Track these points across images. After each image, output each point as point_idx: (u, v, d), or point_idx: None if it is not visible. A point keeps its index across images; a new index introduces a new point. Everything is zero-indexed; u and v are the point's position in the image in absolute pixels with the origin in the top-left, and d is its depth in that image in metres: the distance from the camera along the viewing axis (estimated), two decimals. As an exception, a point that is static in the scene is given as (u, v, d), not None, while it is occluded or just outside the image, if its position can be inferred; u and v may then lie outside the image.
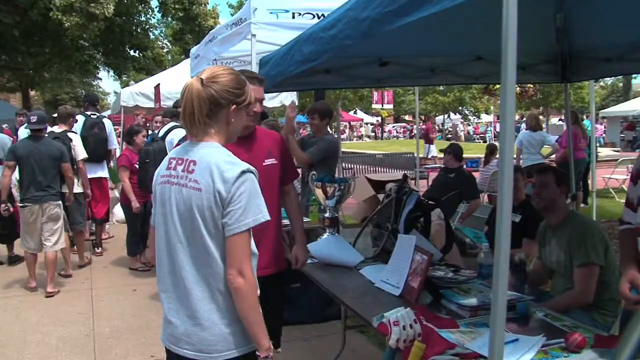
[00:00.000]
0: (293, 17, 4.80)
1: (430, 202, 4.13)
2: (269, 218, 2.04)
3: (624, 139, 29.62)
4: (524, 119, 12.60)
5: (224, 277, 2.01)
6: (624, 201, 2.62)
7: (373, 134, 48.92)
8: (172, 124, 6.20)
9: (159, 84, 9.92)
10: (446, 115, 49.78)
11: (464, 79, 5.42)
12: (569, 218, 3.58)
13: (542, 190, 3.64)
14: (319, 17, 4.80)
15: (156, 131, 7.61)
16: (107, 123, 8.24)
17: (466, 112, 48.67)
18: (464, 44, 4.67)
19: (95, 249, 8.08)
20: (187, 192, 2.02)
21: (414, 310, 2.62)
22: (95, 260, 7.65)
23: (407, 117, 56.91)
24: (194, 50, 7.53)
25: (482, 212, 6.66)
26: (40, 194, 6.11)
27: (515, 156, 10.26)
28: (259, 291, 2.06)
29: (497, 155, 11.41)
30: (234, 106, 2.08)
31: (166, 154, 4.28)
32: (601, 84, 43.95)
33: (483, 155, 10.84)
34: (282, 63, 3.58)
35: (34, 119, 6.23)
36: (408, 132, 46.46)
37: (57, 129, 7.09)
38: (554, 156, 10.08)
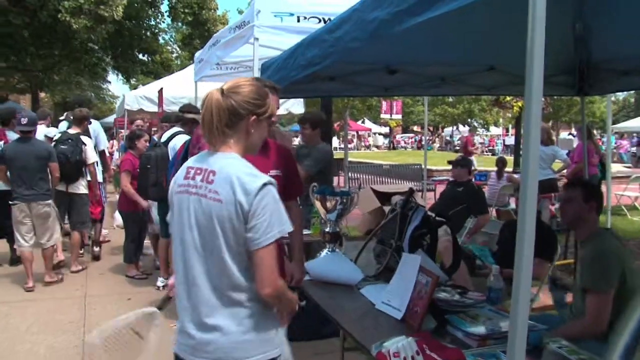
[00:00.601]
0: (298, 21, 4.61)
1: (437, 218, 3.93)
2: (292, 228, 2.07)
3: (636, 154, 29.27)
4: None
5: (242, 287, 2.04)
6: None
7: (383, 143, 48.67)
8: (175, 129, 6.02)
9: (162, 88, 9.78)
10: (455, 127, 49.53)
11: (476, 89, 5.22)
12: (594, 236, 3.33)
13: (566, 205, 3.44)
14: (325, 22, 4.61)
15: (154, 136, 7.44)
16: (93, 126, 8.07)
17: (475, 124, 48.34)
18: (476, 53, 4.49)
19: (94, 248, 7.96)
20: (206, 203, 2.02)
21: (416, 337, 2.40)
22: (92, 266, 7.46)
23: (415, 128, 56.70)
24: (198, 54, 7.38)
25: (490, 228, 6.43)
26: (29, 193, 6.30)
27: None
28: None
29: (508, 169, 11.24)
30: (254, 117, 2.09)
31: (168, 159, 4.01)
32: (612, 98, 43.54)
33: (494, 169, 10.59)
34: (284, 68, 3.39)
35: (24, 120, 6.33)
36: (416, 142, 46.14)
37: (71, 130, 7.19)
38: (565, 171, 9.81)
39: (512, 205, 10.46)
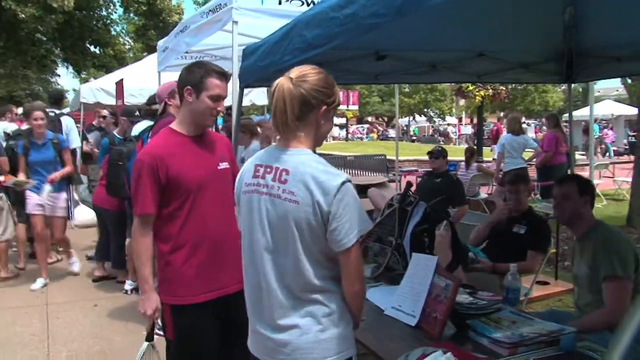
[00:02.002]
0: (280, 3, 4.31)
1: (438, 213, 3.71)
2: (373, 224, 1.99)
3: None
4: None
5: (318, 286, 1.95)
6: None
7: (339, 134, 48.57)
8: (146, 122, 5.60)
9: (121, 80, 9.27)
10: (411, 117, 49.85)
11: (466, 76, 5.04)
12: (593, 229, 3.21)
13: (564, 203, 3.28)
14: (308, 5, 4.33)
15: (114, 131, 6.99)
16: (66, 121, 7.63)
17: (431, 114, 48.81)
18: (466, 39, 4.28)
19: (58, 247, 7.52)
20: (281, 204, 1.93)
21: (446, 349, 2.16)
22: (52, 270, 6.94)
23: (370, 119, 56.78)
24: (161, 42, 6.94)
25: (468, 219, 6.28)
26: None
27: (496, 160, 10.01)
28: None
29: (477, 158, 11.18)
30: (325, 107, 1.98)
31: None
32: (563, 87, 44.47)
33: (462, 159, 10.49)
34: (274, 52, 3.07)
35: None
36: (376, 133, 46.09)
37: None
38: (535, 160, 9.79)
39: (482, 194, 10.40)
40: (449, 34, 4.17)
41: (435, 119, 49.61)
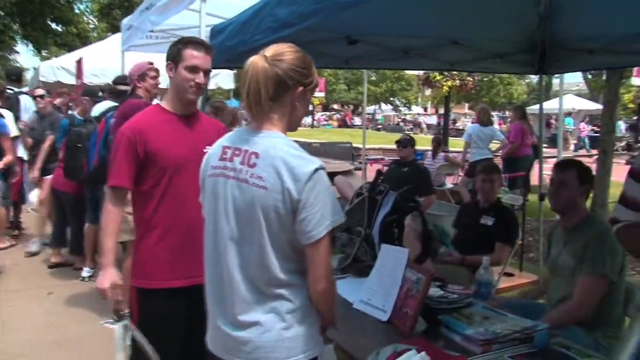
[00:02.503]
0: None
1: (409, 202, 3.63)
2: (345, 218, 1.86)
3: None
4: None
5: (283, 280, 1.83)
6: (618, 199, 2.12)
7: (305, 121, 48.30)
8: (108, 103, 5.36)
9: (81, 59, 8.95)
10: (378, 106, 49.94)
11: (439, 64, 4.96)
12: (587, 222, 3.06)
13: (561, 190, 3.07)
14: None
15: (74, 112, 6.70)
16: (24, 100, 7.30)
17: (397, 102, 49.00)
18: (439, 26, 4.21)
19: (13, 231, 7.30)
20: (248, 189, 1.80)
21: (418, 347, 2.07)
22: (6, 255, 6.66)
23: (335, 106, 56.69)
24: (126, 20, 6.67)
25: (435, 209, 6.25)
26: None
27: (463, 150, 10.02)
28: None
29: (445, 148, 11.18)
30: (301, 88, 1.85)
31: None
32: (527, 81, 45.13)
33: (429, 148, 10.47)
34: (244, 31, 2.92)
35: None
36: (338, 121, 46.00)
37: None
38: (501, 152, 9.83)
39: (448, 184, 10.41)
40: (422, 20, 4.09)
41: (401, 108, 49.83)
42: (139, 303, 2.61)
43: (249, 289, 1.84)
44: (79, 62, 8.99)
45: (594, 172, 3.49)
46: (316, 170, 1.75)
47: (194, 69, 2.54)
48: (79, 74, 8.98)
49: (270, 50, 1.83)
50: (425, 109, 49.36)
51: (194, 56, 2.53)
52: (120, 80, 5.45)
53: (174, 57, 2.54)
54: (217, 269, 1.91)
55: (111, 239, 2.56)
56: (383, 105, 50.53)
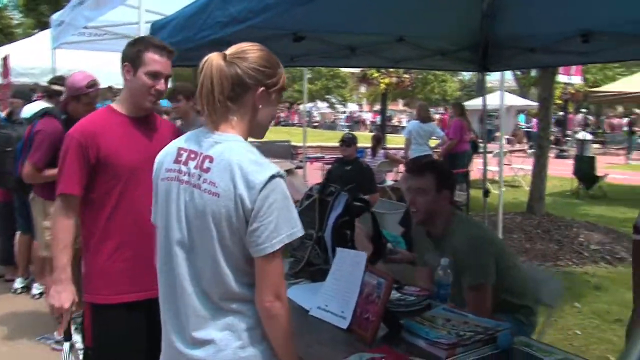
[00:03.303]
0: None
1: (357, 203, 3.56)
2: (303, 232, 1.72)
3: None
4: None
5: (238, 294, 1.71)
6: None
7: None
8: (42, 104, 5.01)
9: (7, 56, 8.46)
10: (313, 104, 49.95)
11: (384, 61, 4.92)
12: (453, 226, 2.95)
13: (418, 197, 2.93)
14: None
15: (1, 113, 6.31)
16: None
17: (333, 100, 49.16)
18: (385, 22, 4.18)
19: None
20: (200, 195, 1.68)
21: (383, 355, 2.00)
22: None
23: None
24: (56, 16, 6.32)
25: (379, 207, 6.24)
26: None
27: (404, 147, 10.09)
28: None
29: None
30: (263, 89, 1.73)
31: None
32: (460, 77, 46.22)
33: (369, 146, 10.49)
34: (189, 27, 2.77)
35: None
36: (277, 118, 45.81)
37: None
38: (440, 148, 9.97)
39: (389, 182, 10.48)
40: (369, 18, 4.06)
41: (336, 106, 50.01)
42: (94, 321, 2.44)
43: (202, 302, 1.72)
44: (5, 60, 8.50)
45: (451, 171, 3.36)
46: (272, 177, 1.64)
47: (155, 75, 2.38)
48: (5, 72, 8.49)
49: (232, 49, 1.73)
50: (361, 106, 49.73)
51: (155, 61, 2.37)
52: (56, 80, 5.14)
53: (133, 59, 2.37)
54: (170, 279, 1.79)
55: (65, 252, 2.40)
56: (319, 103, 50.61)
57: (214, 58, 1.69)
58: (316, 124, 44.08)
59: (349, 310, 2.47)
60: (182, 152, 1.78)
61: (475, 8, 4.36)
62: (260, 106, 1.76)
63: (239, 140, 1.73)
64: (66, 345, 2.46)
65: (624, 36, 3.88)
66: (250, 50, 1.72)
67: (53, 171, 3.64)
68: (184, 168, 1.74)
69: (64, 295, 2.40)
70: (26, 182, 3.90)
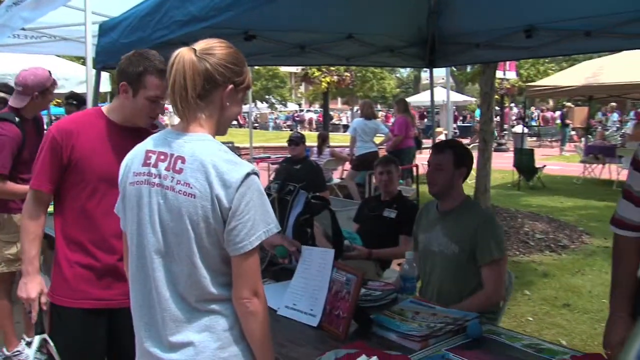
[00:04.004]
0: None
1: (315, 201, 3.55)
2: (279, 228, 1.72)
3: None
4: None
5: (216, 295, 1.69)
6: (622, 193, 2.12)
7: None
8: None
9: None
10: (253, 104, 49.68)
11: (334, 59, 4.92)
12: (464, 205, 3.09)
13: (437, 173, 3.04)
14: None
15: None
16: None
17: (273, 100, 49.06)
18: (334, 20, 4.20)
19: None
20: (174, 197, 1.65)
21: (360, 351, 2.00)
22: None
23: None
24: (-11, 16, 6.04)
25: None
26: None
27: (349, 145, 10.14)
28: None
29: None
30: (231, 86, 1.70)
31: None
32: (397, 75, 46.99)
33: (314, 144, 10.51)
34: (144, 26, 2.68)
35: None
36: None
37: None
38: (385, 145, 10.06)
39: (335, 180, 10.53)
40: (319, 15, 4.07)
41: (277, 106, 49.93)
42: (53, 319, 2.40)
43: (179, 306, 1.69)
44: None
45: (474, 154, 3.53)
46: (248, 175, 1.62)
47: (155, 100, 2.31)
48: None
49: (199, 44, 1.68)
50: (300, 106, 49.82)
51: (157, 86, 2.29)
52: (1, 87, 4.89)
53: (133, 81, 2.27)
54: (144, 286, 1.75)
55: (34, 245, 2.38)
56: (259, 104, 50.36)
57: (185, 53, 1.64)
58: (256, 124, 43.84)
59: (319, 307, 2.47)
60: (150, 154, 1.73)
61: (422, 5, 4.44)
62: (227, 104, 1.73)
63: (209, 139, 1.69)
64: (37, 338, 2.38)
65: (565, 32, 4.03)
66: (218, 47, 1.69)
67: (17, 187, 3.57)
68: (154, 170, 1.70)
69: (30, 286, 2.37)
70: None
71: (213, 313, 1.70)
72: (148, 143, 1.78)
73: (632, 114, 21.78)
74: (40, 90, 3.73)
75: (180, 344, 1.69)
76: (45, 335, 2.38)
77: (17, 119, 3.65)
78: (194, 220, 1.62)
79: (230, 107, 1.74)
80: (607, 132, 20.10)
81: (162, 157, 1.70)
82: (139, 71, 2.25)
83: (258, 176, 1.67)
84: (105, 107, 2.46)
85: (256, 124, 43.15)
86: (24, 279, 2.40)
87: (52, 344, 2.34)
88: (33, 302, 2.38)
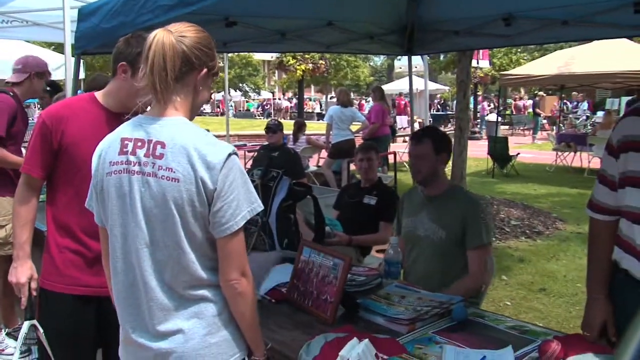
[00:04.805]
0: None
1: (298, 187, 3.56)
2: (263, 206, 1.72)
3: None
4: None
5: (205, 280, 1.69)
6: (599, 179, 2.17)
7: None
8: None
9: None
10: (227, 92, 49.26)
11: (315, 46, 4.91)
12: (450, 190, 3.15)
13: (419, 162, 3.09)
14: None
15: None
16: None
17: (247, 88, 48.76)
18: (315, 6, 4.17)
19: None
20: (157, 184, 1.62)
21: (349, 334, 2.02)
22: None
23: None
24: (-41, 1, 5.89)
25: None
26: None
27: (325, 132, 10.15)
28: None
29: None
30: (205, 70, 1.70)
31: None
32: (371, 63, 47.02)
33: (290, 132, 10.48)
34: (127, 11, 2.64)
35: None
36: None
37: None
38: (362, 132, 10.09)
39: (312, 167, 10.53)
40: (299, 1, 4.03)
41: (250, 94, 49.62)
42: (41, 305, 2.39)
43: (167, 294, 1.69)
44: None
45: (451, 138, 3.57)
46: (229, 155, 1.63)
47: None
48: None
49: (173, 27, 1.66)
50: (273, 94, 49.58)
51: None
52: None
53: (132, 61, 2.24)
54: (129, 276, 1.72)
55: (25, 229, 2.37)
56: (232, 92, 49.98)
57: (163, 34, 1.62)
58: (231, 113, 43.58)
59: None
60: (126, 142, 1.69)
61: (400, -7, 4.44)
62: (200, 88, 1.73)
63: (186, 122, 1.68)
64: (26, 324, 2.37)
65: (542, 20, 4.07)
66: (190, 30, 1.67)
67: (11, 155, 3.65)
68: (132, 158, 1.66)
69: (20, 271, 2.37)
70: None
71: (201, 299, 1.70)
72: (121, 131, 1.74)
73: (611, 102, 21.96)
74: (37, 71, 3.87)
75: (169, 332, 1.69)
76: (35, 322, 2.36)
77: (11, 94, 3.77)
78: (179, 205, 1.61)
79: (202, 92, 1.74)
80: (578, 121, 20.46)
81: (139, 143, 1.67)
82: (138, 51, 2.21)
83: (238, 156, 1.68)
84: (99, 93, 2.42)
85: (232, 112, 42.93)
86: (14, 263, 2.39)
87: (41, 330, 2.32)
88: (23, 287, 2.36)
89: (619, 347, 1.01)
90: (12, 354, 2.46)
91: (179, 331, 1.69)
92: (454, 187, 3.29)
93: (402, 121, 22.36)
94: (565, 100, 21.29)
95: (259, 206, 1.69)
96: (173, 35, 1.62)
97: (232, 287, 1.66)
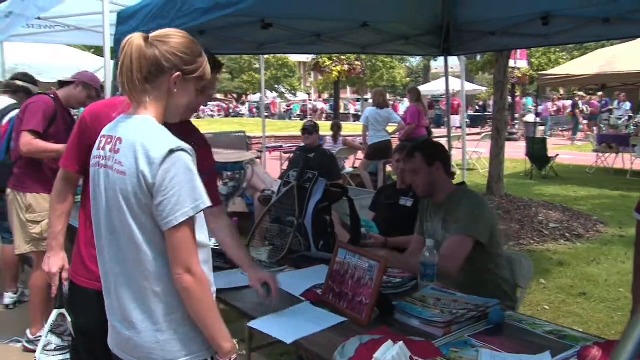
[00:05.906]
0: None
1: (334, 189, 3.56)
2: (210, 204, 1.73)
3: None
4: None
5: (159, 275, 1.75)
6: None
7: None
8: (7, 100, 4.69)
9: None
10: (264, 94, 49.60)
11: (350, 47, 4.94)
12: (456, 194, 3.16)
13: (414, 178, 3.19)
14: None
15: None
16: None
17: (282, 89, 49.04)
18: (350, 8, 4.18)
19: None
20: (112, 176, 1.75)
21: (385, 337, 2.01)
22: None
23: (219, 96, 55.65)
24: (3, 6, 6.03)
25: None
26: None
27: (362, 134, 10.13)
28: (214, 288, 1.86)
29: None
30: (178, 73, 1.76)
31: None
32: (407, 64, 46.74)
33: (329, 133, 10.49)
34: (165, 15, 2.69)
35: None
36: (223, 110, 45.23)
37: None
38: (398, 134, 10.04)
39: (348, 169, 10.52)
40: (333, 3, 4.04)
41: (287, 95, 49.90)
42: (70, 295, 2.46)
43: (127, 284, 1.79)
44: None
45: (441, 144, 3.56)
46: (172, 151, 1.67)
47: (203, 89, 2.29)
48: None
49: (156, 33, 1.79)
50: (309, 95, 49.73)
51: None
52: (21, 77, 4.94)
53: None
54: (103, 263, 1.89)
55: (60, 221, 2.45)
56: (268, 93, 50.32)
57: (135, 38, 1.73)
58: (267, 114, 43.80)
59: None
60: (102, 138, 1.85)
61: (437, -6, 4.42)
62: (175, 90, 1.79)
63: (149, 120, 1.76)
64: (55, 312, 2.48)
65: (581, 19, 4.00)
66: (173, 36, 1.77)
67: (48, 145, 3.73)
68: (102, 153, 1.81)
69: (52, 260, 2.44)
70: (24, 152, 3.78)
71: (157, 294, 1.76)
72: (105, 128, 1.88)
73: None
74: (85, 81, 3.98)
75: (129, 322, 1.80)
76: (64, 310, 2.43)
77: (52, 96, 3.89)
78: (125, 197, 1.71)
79: (178, 95, 1.80)
80: (620, 122, 19.95)
81: (109, 140, 1.80)
82: None
83: (187, 153, 1.70)
84: None
85: (267, 114, 43.13)
86: (47, 253, 2.47)
87: (69, 318, 2.39)
88: (54, 276, 2.44)
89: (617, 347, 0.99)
90: (53, 350, 2.53)
91: (134, 323, 1.79)
92: (458, 189, 3.26)
93: (455, 121, 22.09)
94: (604, 99, 20.75)
95: (204, 203, 1.71)
96: (148, 40, 1.73)
97: (177, 281, 1.71)
